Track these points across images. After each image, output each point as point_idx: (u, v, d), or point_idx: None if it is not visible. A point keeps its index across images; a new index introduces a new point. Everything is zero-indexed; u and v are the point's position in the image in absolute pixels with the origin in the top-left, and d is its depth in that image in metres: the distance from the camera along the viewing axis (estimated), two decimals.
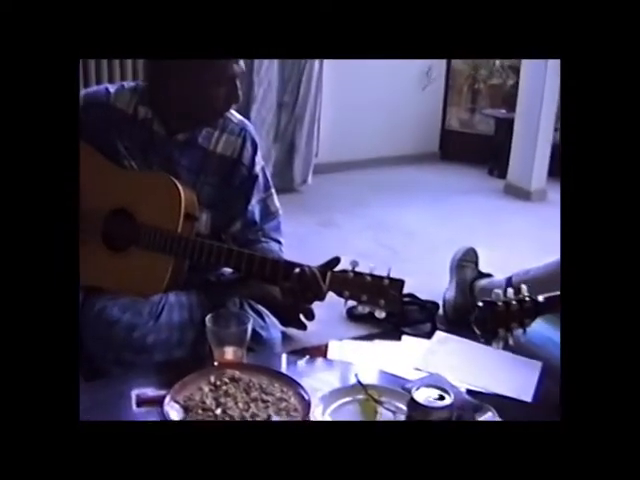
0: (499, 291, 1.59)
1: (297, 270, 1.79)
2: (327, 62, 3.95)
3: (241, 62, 1.93)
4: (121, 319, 1.89)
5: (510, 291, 1.59)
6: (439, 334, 2.22)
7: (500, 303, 1.56)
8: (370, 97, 4.45)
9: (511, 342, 1.59)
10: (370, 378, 1.72)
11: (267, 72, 3.76)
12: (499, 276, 2.61)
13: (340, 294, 1.75)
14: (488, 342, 1.73)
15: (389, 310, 1.76)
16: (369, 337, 2.33)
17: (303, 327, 2.30)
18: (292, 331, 2.32)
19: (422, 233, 3.51)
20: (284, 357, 1.96)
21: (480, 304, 1.57)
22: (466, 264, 2.71)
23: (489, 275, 2.70)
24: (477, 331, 1.59)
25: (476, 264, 2.73)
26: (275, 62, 3.77)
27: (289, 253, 2.16)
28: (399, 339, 2.22)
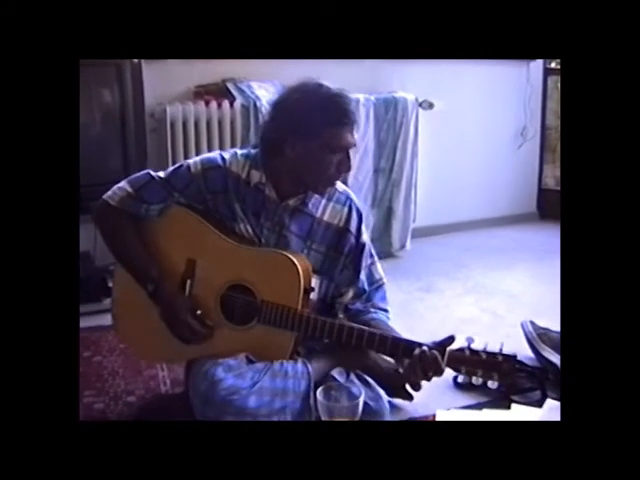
0: None
1: (417, 351, 1.85)
2: (423, 126, 3.98)
3: (355, 133, 1.98)
4: (224, 379, 1.91)
5: None
6: (550, 402, 2.14)
7: None
8: (465, 159, 4.45)
9: None
10: None
11: (363, 138, 3.80)
12: None
13: (457, 370, 1.85)
14: None
15: (501, 382, 1.82)
16: (477, 406, 2.27)
17: (409, 397, 2.28)
18: (398, 401, 2.29)
19: (525, 296, 3.43)
20: None
21: None
22: (541, 331, 2.63)
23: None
24: None
25: (542, 328, 2.66)
26: (371, 128, 3.81)
27: (392, 320, 2.17)
28: (508, 408, 2.16)
